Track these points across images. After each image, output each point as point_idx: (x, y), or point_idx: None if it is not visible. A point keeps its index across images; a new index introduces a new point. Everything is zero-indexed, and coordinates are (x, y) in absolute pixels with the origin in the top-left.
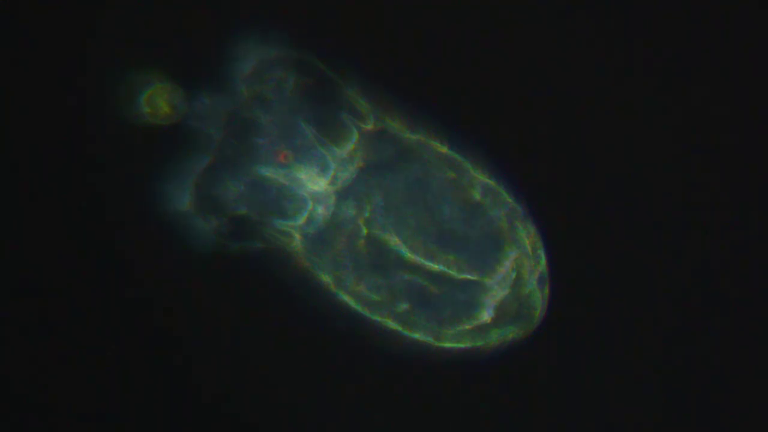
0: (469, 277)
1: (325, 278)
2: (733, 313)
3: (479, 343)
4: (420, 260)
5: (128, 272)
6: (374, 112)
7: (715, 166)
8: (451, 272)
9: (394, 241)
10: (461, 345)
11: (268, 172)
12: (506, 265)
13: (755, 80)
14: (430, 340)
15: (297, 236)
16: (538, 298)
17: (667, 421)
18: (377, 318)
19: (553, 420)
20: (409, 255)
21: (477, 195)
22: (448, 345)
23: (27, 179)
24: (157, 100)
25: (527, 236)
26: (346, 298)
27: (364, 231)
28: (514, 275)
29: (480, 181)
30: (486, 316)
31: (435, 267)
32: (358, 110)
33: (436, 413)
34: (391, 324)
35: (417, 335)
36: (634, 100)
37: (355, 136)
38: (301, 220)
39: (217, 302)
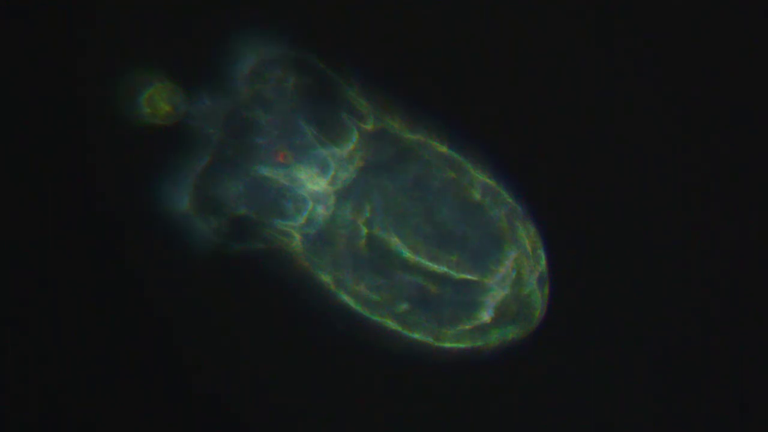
0: (468, 277)
1: (325, 278)
2: (733, 312)
3: (479, 343)
4: (420, 260)
5: (127, 272)
6: (374, 112)
7: (715, 166)
8: (450, 272)
9: (393, 241)
10: (461, 345)
11: (268, 172)
12: (506, 265)
13: (755, 81)
14: (429, 340)
15: (297, 236)
16: (538, 298)
17: (668, 421)
18: (377, 318)
19: (553, 420)
20: (408, 255)
21: (477, 195)
22: (447, 345)
23: (26, 179)
24: (157, 100)
25: (527, 236)
26: (346, 298)
27: (364, 231)
28: (514, 275)
29: (480, 181)
30: (486, 316)
31: (435, 267)
32: (358, 110)
33: (436, 413)
34: (391, 324)
35: (417, 335)
36: (635, 100)
37: (355, 136)
38: (301, 220)
39: (217, 302)
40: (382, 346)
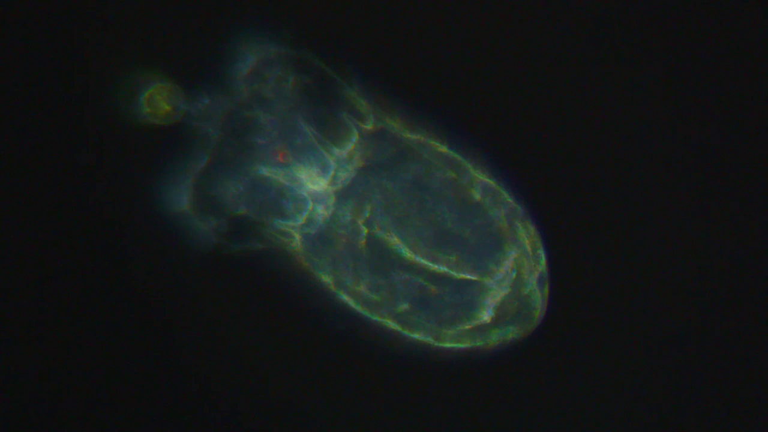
0: (468, 277)
1: (325, 278)
2: (733, 312)
3: (479, 343)
4: (420, 260)
5: (127, 272)
6: (374, 112)
7: (715, 166)
8: (450, 272)
9: (393, 241)
10: (461, 345)
11: (268, 172)
12: (506, 265)
13: (755, 81)
14: (430, 340)
15: (297, 236)
16: (538, 298)
17: (667, 421)
18: (377, 318)
19: (553, 420)
20: (408, 255)
21: (477, 195)
22: (448, 345)
23: (26, 179)
24: (157, 100)
25: (527, 236)
26: (346, 298)
27: (364, 231)
28: (514, 275)
29: (480, 181)
30: (486, 316)
31: (435, 267)
32: (358, 110)
33: (436, 413)
34: (391, 324)
35: (417, 335)
36: (634, 100)
37: (355, 136)
38: (301, 220)
39: (217, 302)
40: (382, 346)
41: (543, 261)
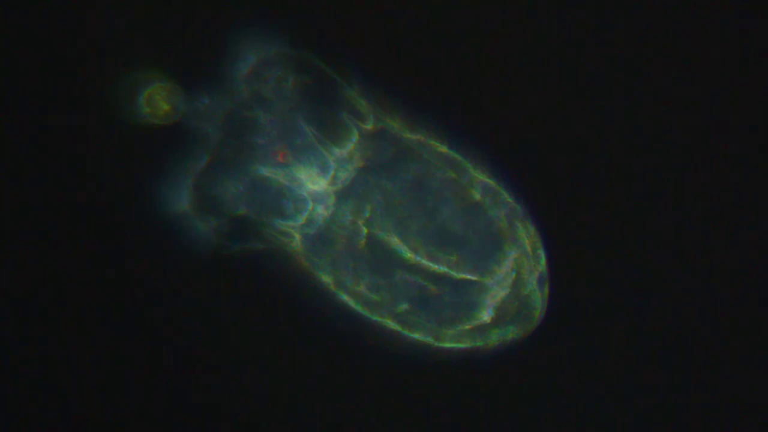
0: (468, 277)
1: (325, 278)
2: (733, 312)
3: (479, 343)
4: (420, 260)
5: (127, 273)
6: (374, 112)
7: (714, 166)
8: (450, 272)
9: (393, 241)
10: (461, 345)
11: (268, 172)
12: (506, 265)
13: (755, 81)
14: (430, 340)
15: (297, 236)
16: (538, 298)
17: (667, 421)
18: (377, 318)
19: (553, 420)
20: (408, 255)
21: (477, 195)
22: (448, 345)
23: (26, 179)
24: (157, 100)
25: (527, 236)
26: (346, 299)
27: (364, 231)
28: (514, 275)
29: (480, 181)
30: (486, 316)
31: (435, 267)
32: (358, 110)
33: (436, 413)
34: (391, 324)
35: (417, 335)
36: (634, 100)
37: (355, 136)
38: (301, 220)
39: (217, 303)
40: (382, 346)
41: (543, 261)
